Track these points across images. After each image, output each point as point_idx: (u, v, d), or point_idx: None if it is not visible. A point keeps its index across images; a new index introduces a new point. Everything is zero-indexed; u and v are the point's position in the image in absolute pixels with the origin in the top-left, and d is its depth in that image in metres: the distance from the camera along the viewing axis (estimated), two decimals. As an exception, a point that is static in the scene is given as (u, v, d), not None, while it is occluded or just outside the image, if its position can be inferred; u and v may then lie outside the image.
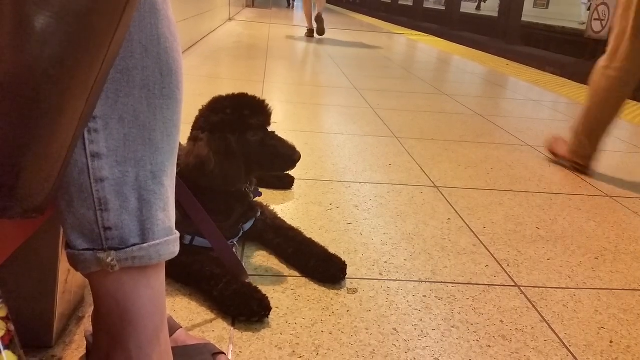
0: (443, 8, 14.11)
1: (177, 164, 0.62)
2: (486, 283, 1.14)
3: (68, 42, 0.41)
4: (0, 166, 0.43)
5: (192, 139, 1.08)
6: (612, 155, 2.30)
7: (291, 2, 15.84)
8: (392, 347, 0.90)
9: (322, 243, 1.15)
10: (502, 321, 1.01)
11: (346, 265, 1.10)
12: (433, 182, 1.74)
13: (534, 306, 1.07)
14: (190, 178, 0.99)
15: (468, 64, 5.21)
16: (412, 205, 1.53)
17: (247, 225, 1.16)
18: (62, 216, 0.56)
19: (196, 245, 1.05)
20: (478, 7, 13.94)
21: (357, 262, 1.18)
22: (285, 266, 1.13)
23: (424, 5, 14.94)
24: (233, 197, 1.12)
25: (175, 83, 0.57)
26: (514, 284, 1.15)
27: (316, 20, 6.13)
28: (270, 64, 4.06)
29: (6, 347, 0.45)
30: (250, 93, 1.12)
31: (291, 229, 1.19)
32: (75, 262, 0.57)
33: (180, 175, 0.98)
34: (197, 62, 3.86)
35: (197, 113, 1.11)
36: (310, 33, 6.43)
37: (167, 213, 0.59)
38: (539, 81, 4.37)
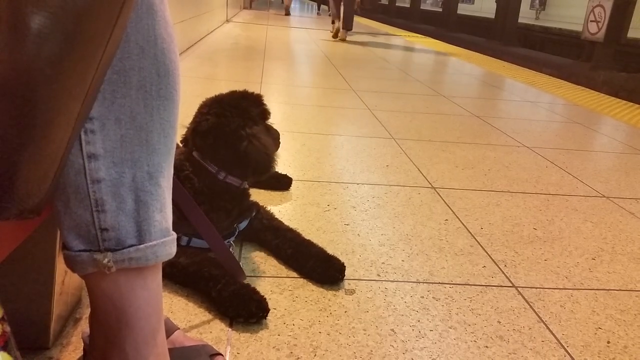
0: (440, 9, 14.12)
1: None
2: (483, 284, 1.14)
3: (65, 43, 0.41)
4: None
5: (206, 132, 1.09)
6: (608, 156, 2.31)
7: None
8: (389, 348, 0.90)
9: (319, 244, 1.15)
10: (499, 322, 1.01)
11: (345, 266, 1.10)
12: (430, 183, 1.74)
13: (531, 307, 1.07)
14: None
15: (465, 65, 5.22)
16: (410, 206, 1.53)
17: (242, 225, 1.16)
18: (59, 217, 0.56)
19: (194, 247, 1.05)
20: (537, 17, 13.16)
21: (355, 263, 1.18)
22: (283, 267, 1.13)
23: (421, 7, 15.00)
24: (235, 195, 1.12)
25: (172, 84, 0.57)
26: (511, 285, 1.15)
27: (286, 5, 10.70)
28: (267, 65, 4.06)
29: (2, 349, 0.45)
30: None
31: (289, 230, 1.19)
32: (71, 264, 0.57)
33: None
34: (195, 63, 3.86)
35: (194, 114, 1.11)
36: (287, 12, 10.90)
37: (163, 214, 0.59)
38: (536, 82, 4.38)
